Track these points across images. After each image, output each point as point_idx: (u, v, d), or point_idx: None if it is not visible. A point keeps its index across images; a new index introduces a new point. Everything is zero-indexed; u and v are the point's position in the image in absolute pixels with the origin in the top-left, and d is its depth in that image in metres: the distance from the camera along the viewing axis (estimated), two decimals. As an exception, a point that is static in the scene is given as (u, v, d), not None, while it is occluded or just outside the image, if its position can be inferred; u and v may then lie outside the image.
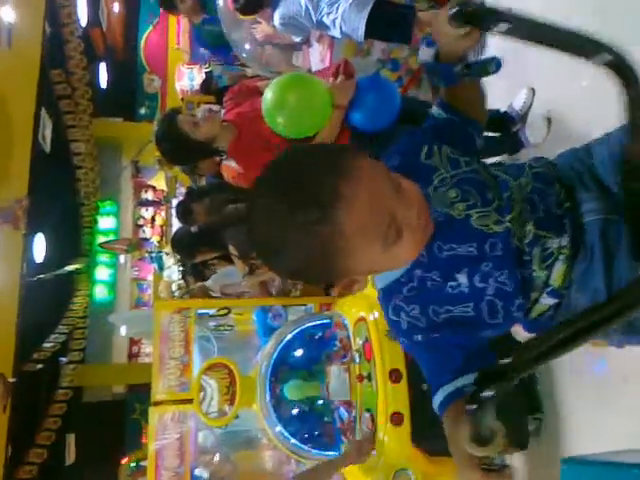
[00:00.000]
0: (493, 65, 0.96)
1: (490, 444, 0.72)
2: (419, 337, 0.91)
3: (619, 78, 0.78)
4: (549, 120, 2.76)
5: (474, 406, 0.70)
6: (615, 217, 0.92)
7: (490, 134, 2.95)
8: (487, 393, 0.68)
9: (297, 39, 3.64)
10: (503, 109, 2.94)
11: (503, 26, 0.83)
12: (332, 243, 0.77)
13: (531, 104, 2.87)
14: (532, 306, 0.95)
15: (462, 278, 0.89)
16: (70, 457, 7.34)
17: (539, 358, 0.65)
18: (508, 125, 2.91)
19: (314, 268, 0.81)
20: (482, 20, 0.86)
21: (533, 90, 2.86)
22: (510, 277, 0.89)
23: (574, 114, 2.62)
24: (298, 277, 0.94)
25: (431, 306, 0.90)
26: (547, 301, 0.94)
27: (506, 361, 0.68)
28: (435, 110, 1.08)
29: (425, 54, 1.00)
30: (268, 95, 2.32)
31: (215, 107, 2.92)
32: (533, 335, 0.69)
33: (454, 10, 0.88)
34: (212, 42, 4.83)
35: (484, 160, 1.05)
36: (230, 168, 3.02)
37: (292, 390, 2.98)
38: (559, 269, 0.92)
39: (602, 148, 0.99)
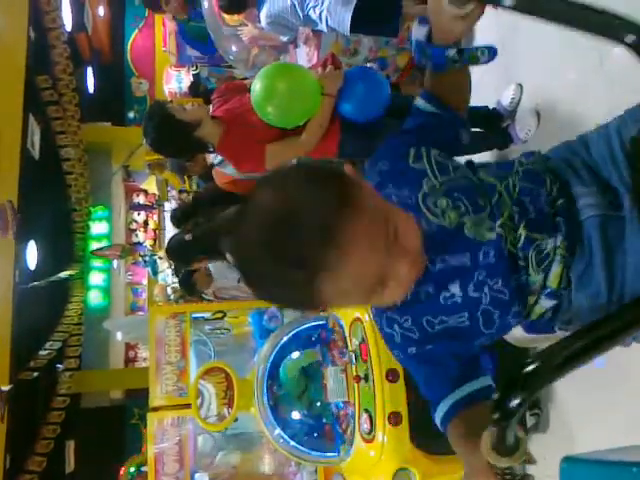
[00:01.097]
0: (487, 53, 0.92)
1: (515, 454, 0.69)
2: (413, 349, 0.90)
3: None
4: (538, 115, 2.76)
5: (497, 414, 0.65)
6: (615, 213, 0.88)
7: (479, 130, 2.95)
8: (514, 401, 0.63)
9: (284, 39, 3.63)
10: (492, 106, 2.94)
11: (510, 0, 0.72)
12: (314, 299, 0.77)
13: (519, 100, 2.87)
14: (531, 309, 0.92)
15: (455, 289, 0.87)
16: (70, 464, 7.31)
17: (566, 364, 0.60)
18: (497, 121, 2.92)
19: (294, 306, 0.85)
20: None
21: (521, 86, 2.86)
22: (505, 285, 0.87)
23: (563, 108, 2.63)
24: (284, 307, 0.93)
25: (425, 317, 0.88)
26: (546, 303, 0.91)
27: (531, 367, 0.62)
28: (420, 102, 1.03)
29: (418, 32, 0.93)
30: (257, 86, 2.32)
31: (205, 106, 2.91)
32: (559, 337, 0.64)
33: None
34: (197, 38, 4.78)
35: (472, 159, 1.02)
36: (223, 174, 3.02)
37: (289, 367, 2.97)
38: (555, 270, 0.88)
39: (600, 141, 0.95)
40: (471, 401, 0.88)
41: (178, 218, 4.26)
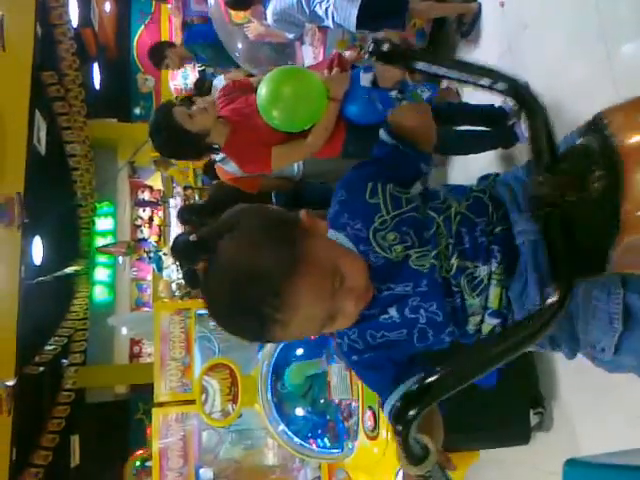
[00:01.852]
0: (427, 90, 1.01)
1: (424, 462, 0.74)
2: (355, 357, 1.00)
3: (522, 108, 0.83)
4: (544, 113, 2.76)
5: (399, 427, 0.73)
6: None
7: (485, 128, 2.95)
8: (410, 412, 0.72)
9: (290, 36, 3.63)
10: (497, 104, 2.94)
11: (420, 64, 0.87)
12: (267, 339, 0.91)
13: (525, 98, 2.87)
14: (479, 326, 0.98)
15: (393, 311, 0.96)
16: (75, 459, 7.36)
17: (456, 382, 0.70)
18: (503, 120, 2.91)
19: (254, 340, 0.97)
20: (398, 60, 0.89)
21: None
22: (439, 308, 0.94)
23: (569, 108, 2.62)
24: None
25: (369, 331, 0.98)
26: (491, 321, 0.97)
27: (428, 382, 0.72)
28: (382, 134, 1.08)
29: (364, 79, 1.04)
30: (263, 90, 2.31)
31: (209, 98, 2.89)
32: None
33: (370, 46, 0.90)
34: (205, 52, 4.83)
35: (426, 187, 1.05)
36: (226, 172, 3.02)
37: (293, 373, 2.99)
38: (494, 292, 0.95)
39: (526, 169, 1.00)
40: None
41: (189, 219, 4.20)
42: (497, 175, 1.06)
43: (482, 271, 0.94)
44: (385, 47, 0.88)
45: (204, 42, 4.65)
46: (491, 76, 0.84)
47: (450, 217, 0.96)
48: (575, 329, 0.94)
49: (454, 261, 0.93)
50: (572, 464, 1.22)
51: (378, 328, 0.97)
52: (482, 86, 0.85)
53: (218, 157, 3.07)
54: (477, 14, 3.24)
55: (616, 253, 0.80)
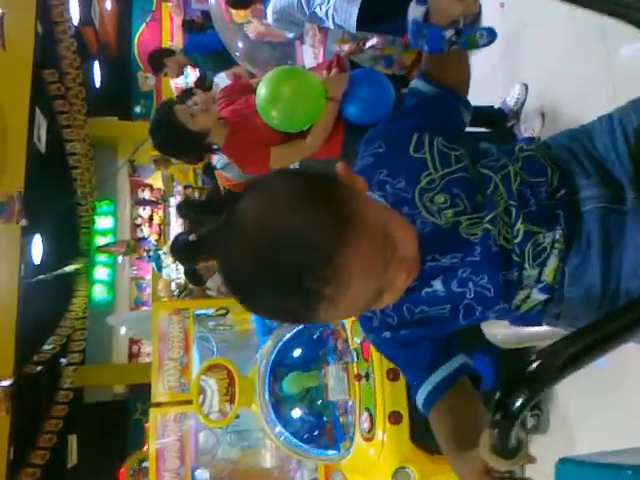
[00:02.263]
0: (486, 36, 0.88)
1: (517, 456, 0.67)
2: (388, 334, 0.88)
3: None
4: (543, 115, 2.75)
5: (499, 415, 0.61)
6: (617, 206, 0.84)
7: (484, 130, 2.94)
8: (517, 401, 0.59)
9: (290, 35, 3.62)
10: (497, 105, 2.93)
11: None
12: (308, 320, 0.74)
13: (524, 100, 2.86)
14: (523, 302, 0.88)
15: (437, 284, 0.84)
16: (72, 458, 7.36)
17: (571, 362, 0.56)
18: (501, 121, 2.90)
19: (287, 322, 0.82)
20: None
21: (526, 86, 2.85)
22: (491, 281, 0.83)
23: (568, 109, 2.61)
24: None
25: (406, 305, 0.86)
26: (538, 297, 0.87)
27: (534, 366, 0.58)
28: (418, 83, 0.97)
29: (415, 11, 0.88)
30: (262, 90, 2.31)
31: (210, 93, 2.88)
32: (562, 334, 0.59)
33: None
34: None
35: (472, 143, 0.95)
36: (226, 178, 3.01)
37: (291, 382, 2.99)
38: (552, 264, 0.84)
39: (604, 131, 0.91)
40: (449, 384, 0.88)
41: (188, 214, 4.23)
42: (540, 138, 0.97)
43: (547, 238, 0.83)
44: None
45: (205, 53, 4.63)
46: None
47: (509, 176, 0.85)
48: None
49: (520, 226, 0.82)
50: (565, 462, 1.22)
51: (417, 303, 0.85)
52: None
53: (218, 164, 3.07)
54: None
55: None
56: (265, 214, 0.71)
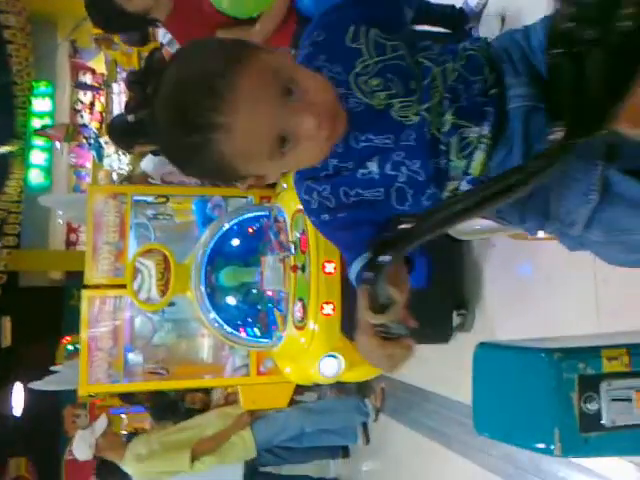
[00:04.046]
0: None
1: (387, 311, 0.74)
2: (326, 217, 0.94)
3: None
4: (503, 19, 2.69)
5: (368, 274, 0.70)
6: (542, 105, 0.88)
7: (442, 30, 2.87)
8: (383, 258, 0.68)
9: None
10: (459, 5, 2.84)
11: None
12: (220, 161, 0.79)
13: (486, 2, 2.78)
14: (453, 193, 0.93)
15: (373, 166, 0.89)
16: (6, 339, 7.35)
17: (436, 225, 0.64)
18: (461, 22, 2.83)
19: (217, 175, 0.88)
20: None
21: (490, -14, 2.77)
22: (423, 167, 0.88)
23: (530, 17, 2.57)
24: (209, 180, 0.93)
25: (342, 188, 0.91)
26: (466, 188, 0.93)
27: (404, 227, 0.67)
28: None
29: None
30: None
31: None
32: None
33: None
34: None
35: (417, 36, 0.99)
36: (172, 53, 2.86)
37: (228, 276, 3.02)
38: (479, 158, 0.89)
39: (539, 30, 0.93)
40: None
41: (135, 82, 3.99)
42: (486, 39, 1.00)
43: (473, 133, 0.88)
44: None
45: None
46: None
47: (446, 71, 0.90)
48: (547, 201, 0.92)
49: (448, 117, 0.88)
50: (483, 346, 1.29)
51: (353, 185, 0.91)
52: None
53: (165, 39, 2.89)
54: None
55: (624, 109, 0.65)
56: (177, 65, 0.81)
